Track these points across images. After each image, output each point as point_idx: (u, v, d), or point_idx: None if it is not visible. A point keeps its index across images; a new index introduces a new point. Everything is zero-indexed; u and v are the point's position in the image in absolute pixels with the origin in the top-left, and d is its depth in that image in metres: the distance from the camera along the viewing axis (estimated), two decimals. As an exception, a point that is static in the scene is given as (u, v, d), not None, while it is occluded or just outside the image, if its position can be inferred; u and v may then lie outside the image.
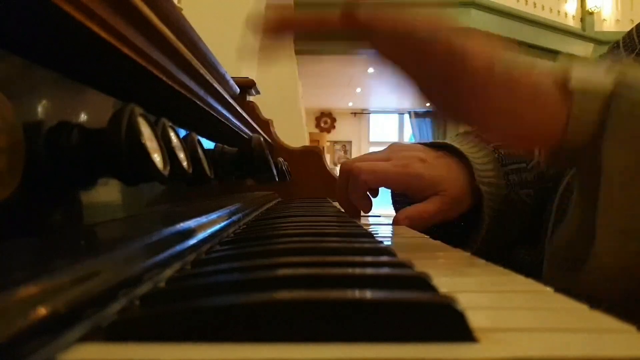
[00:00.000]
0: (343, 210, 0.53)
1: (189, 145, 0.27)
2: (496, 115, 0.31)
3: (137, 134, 0.19)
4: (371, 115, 8.54)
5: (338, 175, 0.53)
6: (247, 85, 0.97)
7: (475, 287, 0.22)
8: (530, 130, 0.31)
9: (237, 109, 0.49)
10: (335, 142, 8.27)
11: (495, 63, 0.31)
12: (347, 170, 0.49)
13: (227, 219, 0.39)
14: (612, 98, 0.29)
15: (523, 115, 0.31)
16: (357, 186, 0.48)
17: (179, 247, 0.24)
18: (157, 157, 0.20)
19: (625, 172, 0.27)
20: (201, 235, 0.29)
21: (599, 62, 0.31)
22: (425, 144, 0.52)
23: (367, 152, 8.19)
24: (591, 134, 0.29)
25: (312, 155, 1.07)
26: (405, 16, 0.33)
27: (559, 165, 0.40)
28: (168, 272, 0.21)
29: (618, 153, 0.27)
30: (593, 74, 0.30)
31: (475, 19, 4.77)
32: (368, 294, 0.15)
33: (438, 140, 0.53)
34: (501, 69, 0.31)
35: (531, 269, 0.44)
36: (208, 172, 0.31)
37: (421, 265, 0.21)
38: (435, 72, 0.33)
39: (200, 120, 0.42)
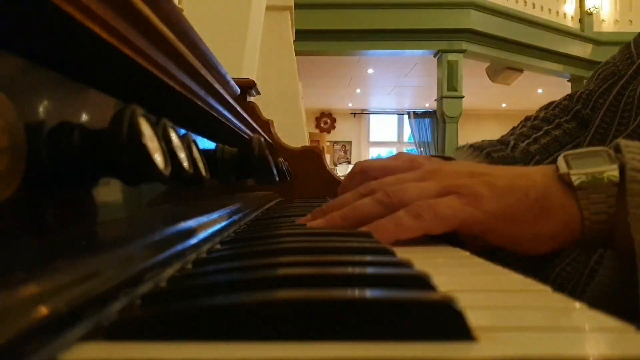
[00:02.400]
0: None
1: (185, 145, 0.27)
2: (517, 239, 0.33)
3: (138, 134, 0.19)
4: (371, 115, 8.54)
5: (348, 173, 0.53)
6: (248, 86, 0.97)
7: (474, 287, 0.22)
8: (550, 237, 0.33)
9: (237, 110, 0.49)
10: (335, 142, 8.27)
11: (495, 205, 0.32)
12: (354, 174, 0.50)
13: (227, 219, 0.39)
14: (622, 182, 0.30)
15: (541, 228, 0.32)
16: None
17: (179, 247, 0.24)
18: (158, 157, 0.20)
19: None
20: (202, 234, 0.29)
21: (590, 151, 0.33)
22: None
23: (367, 152, 8.12)
24: (605, 221, 0.31)
25: (312, 155, 1.07)
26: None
27: (588, 249, 0.41)
28: (169, 272, 0.21)
29: None
30: (589, 161, 0.32)
31: (474, 19, 4.78)
32: (368, 293, 0.15)
33: (438, 155, 0.55)
34: (501, 209, 0.32)
35: (535, 262, 0.44)
36: (204, 172, 0.31)
37: (421, 265, 0.22)
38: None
39: (201, 121, 0.42)
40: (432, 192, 0.34)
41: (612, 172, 0.31)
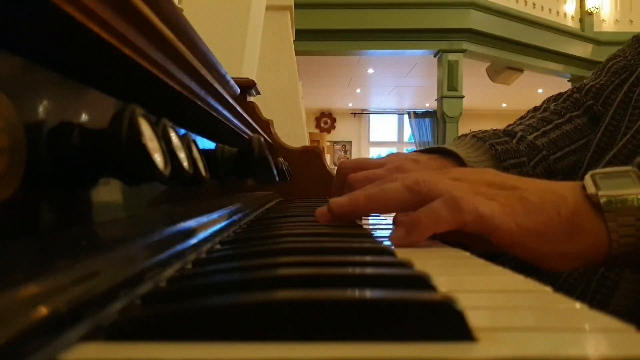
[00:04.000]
0: None
1: (185, 145, 0.27)
2: (547, 255, 0.32)
3: (138, 134, 0.19)
4: (371, 115, 8.54)
5: (334, 177, 0.53)
6: (248, 86, 0.97)
7: (475, 287, 0.22)
8: (577, 256, 0.32)
9: (237, 110, 0.49)
10: (335, 142, 8.27)
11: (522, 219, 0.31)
12: (342, 176, 0.49)
13: (227, 219, 0.39)
14: None
15: (570, 247, 0.32)
16: None
17: (179, 247, 0.24)
18: (157, 157, 0.20)
19: None
20: (202, 234, 0.29)
21: (617, 171, 0.32)
22: (419, 151, 0.52)
23: (367, 152, 8.10)
24: (633, 244, 0.31)
25: (312, 155, 1.07)
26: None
27: (612, 269, 0.41)
28: (169, 272, 0.21)
29: None
30: (618, 182, 0.32)
31: (474, 19, 4.78)
32: (368, 294, 0.15)
33: (431, 147, 0.53)
34: (530, 223, 0.31)
35: (534, 268, 0.44)
36: (204, 172, 0.31)
37: (421, 265, 0.22)
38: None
39: (200, 121, 0.42)
40: (465, 189, 0.33)
41: (636, 188, 0.31)
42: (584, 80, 0.60)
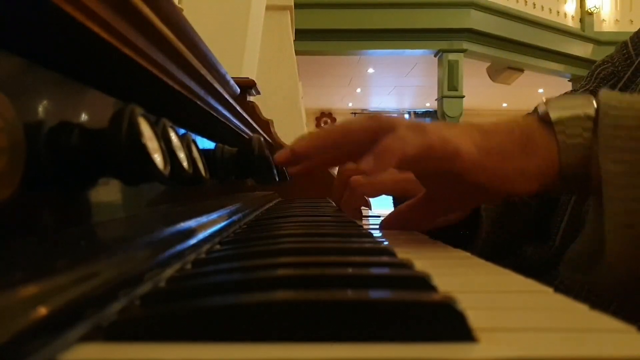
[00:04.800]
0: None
1: (184, 145, 0.27)
2: (505, 174, 0.34)
3: (137, 134, 0.19)
4: (371, 115, 8.53)
5: (335, 179, 0.53)
6: (248, 86, 0.97)
7: (475, 287, 0.22)
8: (535, 174, 0.33)
9: (237, 109, 0.49)
10: (335, 142, 8.25)
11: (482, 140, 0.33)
12: (344, 179, 0.50)
13: (227, 219, 0.39)
14: (597, 117, 0.32)
15: (527, 163, 0.33)
16: (353, 198, 0.49)
17: (179, 247, 0.24)
18: (157, 157, 0.20)
19: (621, 177, 0.29)
20: (201, 235, 0.29)
21: (569, 94, 0.35)
22: None
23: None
24: (582, 155, 0.32)
25: (312, 155, 1.06)
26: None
27: (571, 193, 0.42)
28: (168, 272, 0.21)
29: (612, 162, 0.30)
30: (568, 103, 0.33)
31: (474, 19, 4.78)
32: (368, 294, 0.15)
33: None
34: (487, 144, 0.33)
35: (539, 267, 0.44)
36: (203, 172, 0.31)
37: (421, 265, 0.21)
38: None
39: (200, 121, 0.42)
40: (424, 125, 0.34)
41: (588, 108, 0.32)
42: (575, 87, 0.61)
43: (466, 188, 0.35)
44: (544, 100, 0.34)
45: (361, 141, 0.33)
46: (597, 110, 0.32)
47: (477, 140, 0.33)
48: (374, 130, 0.33)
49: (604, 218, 0.30)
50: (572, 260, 0.37)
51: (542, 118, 0.34)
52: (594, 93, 0.57)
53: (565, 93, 0.59)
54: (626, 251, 0.29)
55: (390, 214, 0.44)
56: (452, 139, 0.32)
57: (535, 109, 0.35)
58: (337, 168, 0.53)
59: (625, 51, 0.55)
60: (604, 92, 0.33)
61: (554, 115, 0.33)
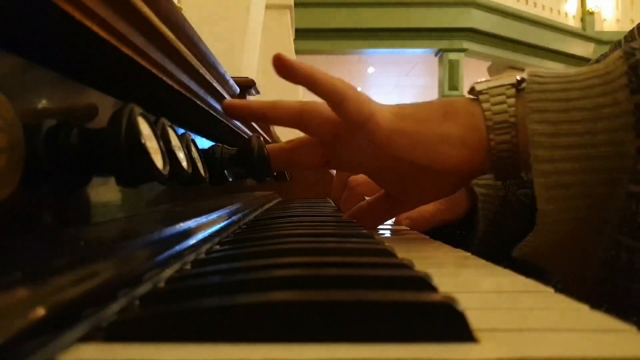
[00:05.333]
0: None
1: (183, 144, 0.27)
2: (434, 142, 0.34)
3: (136, 133, 0.19)
4: (371, 114, 8.52)
5: (334, 178, 0.54)
6: (247, 85, 0.96)
7: (475, 287, 0.22)
8: (459, 141, 0.34)
9: (237, 109, 0.49)
10: (336, 142, 8.25)
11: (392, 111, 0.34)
12: (343, 178, 0.51)
13: (226, 219, 0.39)
14: (520, 85, 0.33)
15: (447, 128, 0.33)
16: (352, 198, 0.50)
17: (178, 247, 0.24)
18: (156, 157, 0.20)
19: (548, 137, 0.30)
20: (201, 235, 0.29)
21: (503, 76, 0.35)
22: None
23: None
24: (506, 120, 0.33)
25: (312, 155, 1.06)
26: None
27: (507, 173, 0.42)
28: (168, 272, 0.21)
29: (538, 123, 0.30)
30: (493, 80, 0.34)
31: (475, 18, 4.77)
32: (368, 295, 0.15)
33: None
34: (405, 111, 0.34)
35: (534, 268, 0.44)
36: (203, 172, 0.31)
37: (421, 265, 0.21)
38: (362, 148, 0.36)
39: (199, 120, 0.42)
40: None
41: (511, 80, 0.33)
42: None
43: (404, 169, 0.35)
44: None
45: (286, 117, 0.36)
46: (521, 80, 0.33)
47: (394, 109, 0.34)
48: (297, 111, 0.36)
49: (534, 182, 0.30)
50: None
51: (468, 93, 0.34)
52: None
53: None
54: (558, 212, 0.30)
55: (353, 208, 0.45)
56: (368, 101, 0.33)
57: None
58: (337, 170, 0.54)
59: (630, 38, 0.55)
60: (529, 69, 0.33)
61: (478, 86, 0.34)
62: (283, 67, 0.34)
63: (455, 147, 0.33)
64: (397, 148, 0.34)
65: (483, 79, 0.36)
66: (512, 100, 0.32)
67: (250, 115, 0.39)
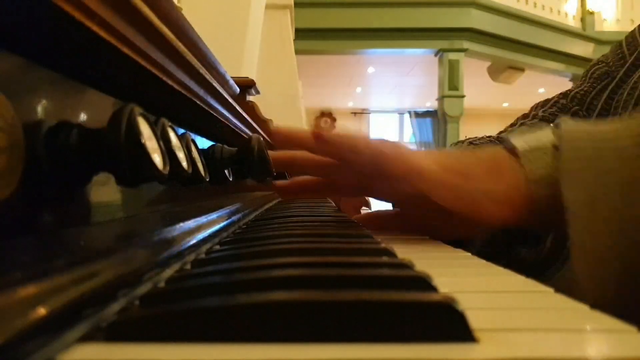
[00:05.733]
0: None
1: (183, 145, 0.27)
2: (472, 199, 0.34)
3: (136, 133, 0.19)
4: (371, 115, 8.53)
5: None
6: (247, 85, 0.96)
7: (475, 287, 0.22)
8: (504, 199, 0.33)
9: (237, 109, 0.49)
10: (336, 142, 8.25)
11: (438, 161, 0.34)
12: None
13: (226, 219, 0.39)
14: (557, 149, 0.32)
15: (493, 185, 0.33)
16: (353, 198, 0.50)
17: (178, 247, 0.24)
18: (156, 157, 0.20)
19: (582, 207, 0.29)
20: (201, 235, 0.29)
21: (533, 126, 0.35)
22: None
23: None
24: (548, 183, 0.32)
25: (312, 155, 1.06)
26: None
27: (540, 229, 0.42)
28: (168, 272, 0.21)
29: (574, 192, 0.30)
30: (532, 135, 0.34)
31: (475, 18, 4.77)
32: (368, 295, 0.15)
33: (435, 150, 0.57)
34: (450, 162, 0.34)
35: (532, 268, 0.44)
36: (203, 172, 0.31)
37: (421, 265, 0.21)
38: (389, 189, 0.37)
39: (199, 120, 0.42)
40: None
41: (550, 137, 0.33)
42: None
43: (436, 212, 0.35)
44: (507, 132, 0.35)
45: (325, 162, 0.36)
46: (559, 140, 0.32)
47: (439, 160, 0.34)
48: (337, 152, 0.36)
49: (571, 253, 0.29)
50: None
51: (507, 148, 0.34)
52: (588, 93, 0.59)
53: (522, 120, 0.61)
54: (598, 286, 0.28)
55: (365, 214, 0.45)
56: (410, 155, 0.33)
57: (499, 142, 0.35)
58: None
59: (619, 51, 0.55)
60: (565, 122, 0.33)
61: (519, 145, 0.33)
62: (323, 143, 0.35)
63: (497, 203, 0.33)
64: (440, 199, 0.33)
65: (517, 127, 0.36)
66: (553, 163, 0.32)
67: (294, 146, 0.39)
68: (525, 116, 0.62)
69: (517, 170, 0.33)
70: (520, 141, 0.34)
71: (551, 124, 0.35)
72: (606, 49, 0.61)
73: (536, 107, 0.62)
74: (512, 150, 0.34)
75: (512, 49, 5.08)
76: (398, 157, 0.33)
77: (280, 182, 0.42)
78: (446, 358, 0.13)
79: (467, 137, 0.59)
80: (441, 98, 4.98)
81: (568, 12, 5.47)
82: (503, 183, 0.33)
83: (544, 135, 0.33)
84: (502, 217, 0.33)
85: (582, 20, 5.52)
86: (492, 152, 0.34)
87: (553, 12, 5.32)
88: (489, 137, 0.59)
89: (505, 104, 7.79)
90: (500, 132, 0.60)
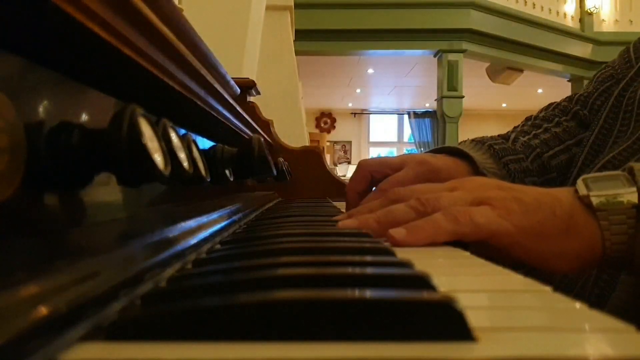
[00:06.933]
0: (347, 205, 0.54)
1: (184, 145, 0.27)
2: (545, 255, 0.34)
3: (138, 134, 0.19)
4: (371, 115, 8.54)
5: (354, 172, 0.55)
6: (248, 86, 0.97)
7: (475, 287, 0.22)
8: (575, 256, 0.33)
9: (237, 110, 0.49)
10: (335, 142, 8.27)
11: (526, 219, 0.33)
12: (364, 173, 0.53)
13: (227, 219, 0.39)
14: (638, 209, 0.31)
15: (567, 246, 0.33)
16: (383, 202, 0.50)
17: (179, 247, 0.24)
18: (158, 157, 0.20)
19: None
20: (202, 234, 0.29)
21: (607, 175, 0.34)
22: (429, 151, 0.57)
23: (367, 152, 8.10)
24: (625, 242, 0.32)
25: (312, 155, 1.07)
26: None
27: (608, 272, 0.42)
28: (169, 272, 0.21)
29: None
30: (608, 188, 0.33)
31: (474, 19, 4.78)
32: (368, 293, 0.15)
33: (440, 147, 0.58)
34: (527, 223, 0.33)
35: (533, 268, 0.44)
36: (203, 172, 0.31)
37: (421, 265, 0.22)
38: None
39: (200, 121, 0.42)
40: (465, 201, 0.35)
41: (630, 195, 0.32)
42: (575, 88, 0.64)
43: (503, 257, 0.34)
44: (582, 179, 0.34)
45: (403, 219, 0.35)
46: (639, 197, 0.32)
47: (515, 217, 0.33)
48: (417, 215, 0.35)
49: None
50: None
51: (582, 200, 0.33)
52: (590, 95, 0.60)
53: (527, 122, 0.61)
54: None
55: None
56: (486, 224, 0.32)
57: (575, 189, 0.34)
58: (336, 168, 0.54)
59: (626, 55, 0.57)
60: None
61: (595, 201, 0.33)
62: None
63: (569, 261, 0.33)
64: (512, 255, 0.34)
65: (590, 176, 0.34)
66: (632, 222, 0.32)
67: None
68: (528, 118, 0.63)
69: (592, 231, 0.32)
70: (596, 192, 0.33)
71: (624, 172, 0.33)
72: (605, 50, 0.62)
73: (541, 110, 0.64)
74: (587, 201, 0.33)
75: (511, 50, 5.08)
76: (476, 228, 0.33)
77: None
78: (446, 357, 0.13)
79: (469, 138, 0.60)
80: (440, 99, 4.99)
81: (567, 13, 5.48)
82: (577, 243, 0.33)
83: (622, 188, 0.32)
84: (570, 270, 0.34)
85: (581, 21, 5.52)
86: (569, 207, 0.33)
87: (552, 13, 5.33)
88: (491, 136, 0.60)
89: (504, 105, 7.80)
90: (506, 133, 0.61)
